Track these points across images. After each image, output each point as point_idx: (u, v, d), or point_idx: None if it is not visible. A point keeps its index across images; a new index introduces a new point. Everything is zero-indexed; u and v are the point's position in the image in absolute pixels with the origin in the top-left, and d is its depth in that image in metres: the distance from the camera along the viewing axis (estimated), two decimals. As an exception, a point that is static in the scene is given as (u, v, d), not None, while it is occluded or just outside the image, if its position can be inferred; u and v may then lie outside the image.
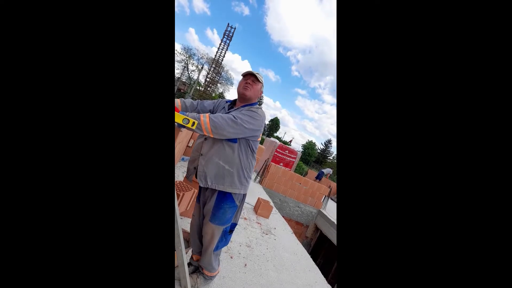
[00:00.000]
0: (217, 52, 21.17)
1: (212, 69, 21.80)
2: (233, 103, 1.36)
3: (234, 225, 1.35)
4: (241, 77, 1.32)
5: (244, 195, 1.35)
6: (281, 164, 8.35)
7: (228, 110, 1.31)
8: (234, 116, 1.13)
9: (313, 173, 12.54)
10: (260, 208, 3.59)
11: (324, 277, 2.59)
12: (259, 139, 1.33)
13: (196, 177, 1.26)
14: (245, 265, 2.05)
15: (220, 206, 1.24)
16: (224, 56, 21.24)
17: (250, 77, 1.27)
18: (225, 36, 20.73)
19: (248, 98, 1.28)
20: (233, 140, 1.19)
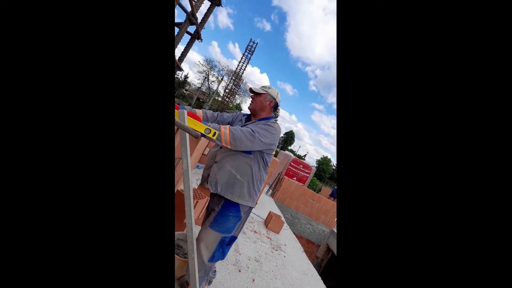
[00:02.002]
0: (238, 65, 21.85)
1: (232, 81, 22.48)
2: (249, 117, 1.41)
3: (233, 238, 1.32)
4: None
5: (250, 208, 1.34)
6: (295, 178, 8.20)
7: (244, 123, 1.36)
8: (252, 130, 1.16)
9: (327, 190, 12.15)
10: (271, 223, 3.52)
11: (335, 302, 2.44)
12: (273, 152, 1.34)
13: (207, 183, 1.28)
14: (253, 280, 1.99)
15: (224, 214, 1.24)
16: (244, 70, 21.88)
17: (251, 93, 1.37)
18: (247, 51, 21.43)
19: (255, 111, 1.35)
20: (248, 152, 1.22)
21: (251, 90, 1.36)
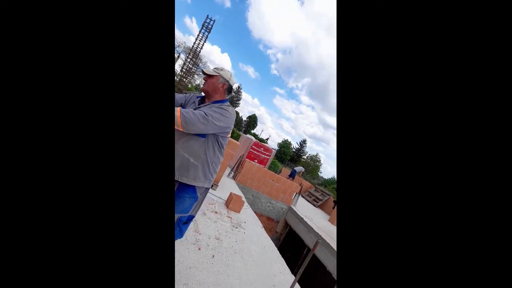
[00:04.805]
0: (194, 42, 20.44)
1: (189, 59, 21.04)
2: (203, 99, 1.40)
3: (191, 218, 1.36)
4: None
5: (207, 189, 1.39)
6: (256, 160, 8.47)
7: (198, 105, 1.35)
8: (205, 113, 1.16)
9: (286, 171, 12.91)
10: (231, 203, 3.64)
11: (290, 269, 2.73)
12: (229, 135, 1.37)
13: None
14: (213, 256, 2.09)
15: (179, 195, 1.27)
16: (202, 48, 20.61)
17: (204, 75, 1.37)
18: (204, 28, 20.12)
19: (208, 93, 1.35)
20: (202, 135, 1.23)
21: (203, 72, 1.35)
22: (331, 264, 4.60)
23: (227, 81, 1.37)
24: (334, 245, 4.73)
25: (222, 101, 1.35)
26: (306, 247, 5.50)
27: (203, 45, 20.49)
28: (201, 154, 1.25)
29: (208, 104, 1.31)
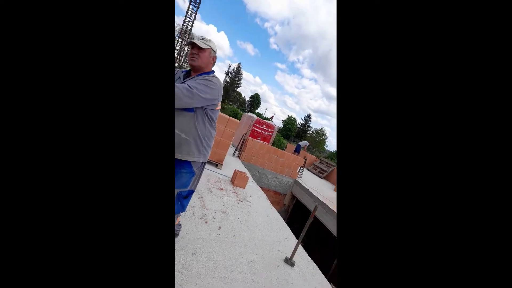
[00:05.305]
0: (184, 19, 19.50)
1: (181, 40, 20.25)
2: (188, 73, 1.35)
3: (191, 192, 1.41)
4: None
5: (203, 164, 1.41)
6: (259, 138, 8.50)
7: (183, 79, 1.31)
8: (189, 86, 1.14)
9: (292, 146, 12.98)
10: (236, 179, 3.75)
11: (296, 237, 2.88)
12: (218, 108, 1.36)
13: None
14: (219, 228, 2.22)
15: (176, 171, 1.30)
16: (192, 25, 19.68)
17: (194, 47, 1.25)
18: (192, 3, 19.01)
19: (198, 68, 1.28)
20: (189, 109, 1.22)
21: (193, 44, 1.25)
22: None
23: (215, 52, 1.33)
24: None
25: (207, 73, 1.31)
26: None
27: (193, 22, 19.56)
28: (192, 128, 1.25)
29: (193, 77, 1.27)
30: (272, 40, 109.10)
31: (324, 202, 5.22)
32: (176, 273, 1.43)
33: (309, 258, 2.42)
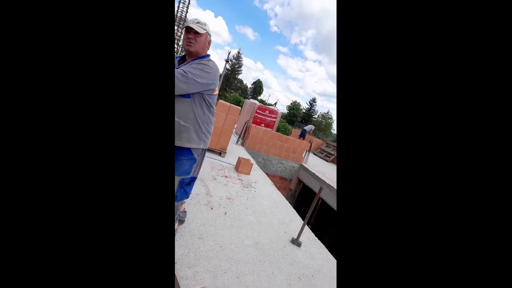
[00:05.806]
0: (178, 5, 18.98)
1: (177, 28, 19.84)
2: (183, 58, 1.32)
3: (193, 179, 1.42)
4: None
5: (204, 150, 1.41)
6: (263, 124, 8.44)
7: (178, 65, 1.28)
8: (184, 71, 1.11)
9: (297, 132, 12.87)
10: (240, 166, 3.77)
11: (302, 219, 2.91)
12: (216, 93, 1.34)
13: None
14: (225, 213, 2.25)
15: (177, 158, 1.30)
16: (187, 11, 19.16)
17: (190, 31, 1.20)
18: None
19: (195, 53, 1.25)
20: (187, 96, 1.20)
21: (189, 29, 1.20)
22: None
23: (210, 35, 1.30)
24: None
25: (203, 57, 1.27)
26: (320, 199, 5.76)
27: (188, 8, 19.04)
28: (190, 114, 1.24)
29: (188, 62, 1.24)
30: (272, 22, 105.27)
31: (331, 185, 5.21)
32: (183, 256, 1.47)
33: (316, 238, 2.45)
